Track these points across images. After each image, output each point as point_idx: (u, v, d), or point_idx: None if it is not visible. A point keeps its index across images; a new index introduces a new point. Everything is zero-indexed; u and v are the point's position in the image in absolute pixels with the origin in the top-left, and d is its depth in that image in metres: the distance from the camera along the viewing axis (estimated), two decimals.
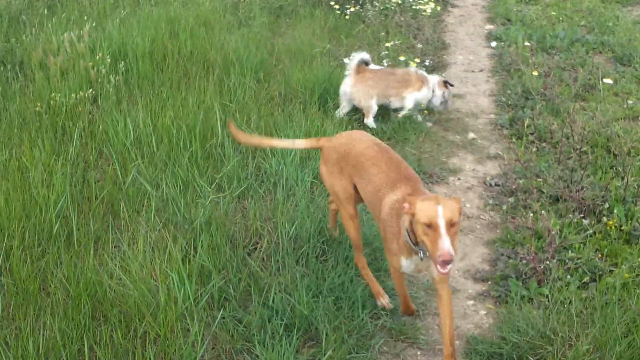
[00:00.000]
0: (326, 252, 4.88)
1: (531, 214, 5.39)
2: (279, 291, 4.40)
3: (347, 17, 10.27)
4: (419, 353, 4.24)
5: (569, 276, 4.63)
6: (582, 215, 5.37)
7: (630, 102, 7.85)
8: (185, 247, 4.74)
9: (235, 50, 8.08)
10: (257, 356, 3.92)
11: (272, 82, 7.70)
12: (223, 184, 5.57)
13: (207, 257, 4.60)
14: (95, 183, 5.49)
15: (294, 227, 4.95)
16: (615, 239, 5.10)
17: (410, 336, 4.34)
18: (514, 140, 6.92)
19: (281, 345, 3.89)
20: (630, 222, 5.21)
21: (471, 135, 7.23)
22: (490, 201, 5.95)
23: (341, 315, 4.29)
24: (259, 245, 4.90)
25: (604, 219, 5.28)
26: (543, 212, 5.26)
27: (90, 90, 6.85)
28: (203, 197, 5.35)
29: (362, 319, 4.33)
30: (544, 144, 6.73)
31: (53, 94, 6.61)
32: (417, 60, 8.35)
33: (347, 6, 10.60)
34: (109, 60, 7.37)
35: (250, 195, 5.52)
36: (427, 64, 8.70)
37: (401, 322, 4.41)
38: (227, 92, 7.15)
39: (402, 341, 4.32)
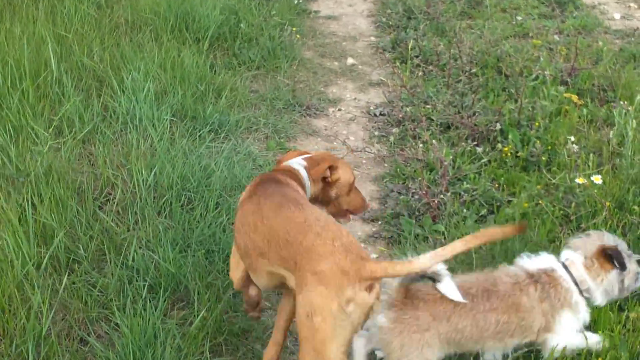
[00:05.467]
0: (192, 199, 4.69)
1: (421, 145, 5.37)
2: (140, 248, 4.18)
3: None
4: None
5: (465, 210, 4.63)
6: (475, 142, 5.39)
7: (519, 18, 7.96)
8: (21, 204, 4.42)
9: None
10: (117, 324, 3.71)
11: (115, 7, 7.31)
12: (63, 128, 5.25)
13: (50, 213, 4.31)
14: None
15: (152, 173, 4.72)
16: (511, 166, 5.15)
17: None
18: (397, 64, 6.87)
19: (145, 310, 3.69)
20: (526, 147, 5.26)
21: (350, 60, 7.14)
22: (376, 132, 5.90)
23: (215, 270, 4.13)
24: (111, 197, 4.64)
25: (499, 145, 5.32)
26: (434, 141, 5.25)
27: None
28: (40, 143, 5.02)
29: None
30: (430, 67, 6.71)
31: None
32: None
33: None
34: None
35: (98, 139, 5.23)
36: None
37: None
38: (61, 20, 6.73)
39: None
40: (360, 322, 2.99)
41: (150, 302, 3.76)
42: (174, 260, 4.03)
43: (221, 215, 4.54)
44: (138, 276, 3.99)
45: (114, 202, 4.58)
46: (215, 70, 6.44)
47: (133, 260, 4.07)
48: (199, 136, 5.44)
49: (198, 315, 3.73)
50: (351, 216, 3.88)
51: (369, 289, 2.94)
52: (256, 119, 5.87)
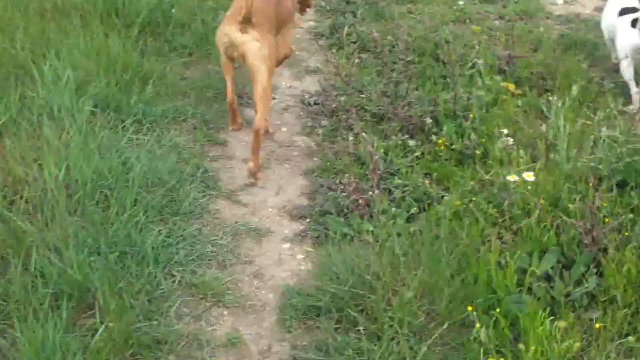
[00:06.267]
0: (109, 197, 4.42)
1: (351, 137, 5.15)
2: (49, 250, 3.91)
3: None
4: (225, 312, 3.91)
5: (395, 208, 4.43)
6: (409, 135, 5.19)
7: (460, 2, 7.78)
8: None
9: None
10: (17, 338, 3.44)
11: None
12: None
13: None
14: None
15: (64, 168, 4.43)
16: (446, 159, 4.97)
17: (215, 292, 3.99)
18: (334, 51, 6.65)
19: (47, 321, 3.43)
20: (461, 139, 5.08)
21: None
22: (309, 123, 5.67)
23: (127, 275, 3.88)
24: (19, 195, 4.35)
25: (434, 137, 5.13)
26: (364, 133, 5.04)
27: None
28: None
29: (155, 277, 3.94)
30: (367, 55, 6.49)
31: None
32: None
33: None
34: None
35: (13, 132, 4.92)
36: None
37: (204, 276, 4.06)
38: None
39: (206, 299, 3.97)
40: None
41: (53, 312, 3.51)
42: (81, 265, 3.77)
43: (138, 214, 4.29)
44: (43, 283, 3.72)
45: (24, 201, 4.30)
46: (145, 57, 6.14)
47: (37, 265, 3.79)
48: (122, 128, 5.16)
49: (105, 325, 3.49)
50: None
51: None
52: (184, 108, 5.60)
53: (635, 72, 6.03)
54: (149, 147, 4.97)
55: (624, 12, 6.19)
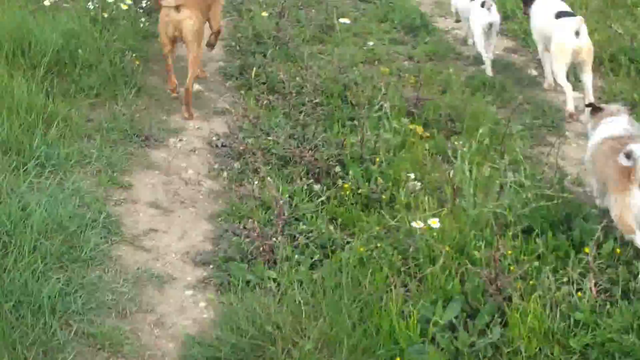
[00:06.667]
0: (7, 244, 4.29)
1: (257, 181, 5.12)
2: None
3: None
4: None
5: (298, 254, 4.40)
6: (315, 179, 5.18)
7: (370, 43, 7.85)
8: None
9: None
10: None
11: None
12: None
13: None
14: None
15: None
16: (352, 204, 4.96)
17: (113, 343, 3.89)
18: (242, 92, 6.63)
19: None
20: (368, 184, 5.09)
21: (196, 86, 6.84)
22: (216, 166, 5.62)
23: (22, 326, 3.76)
24: None
25: (340, 181, 5.12)
26: (269, 178, 5.01)
27: None
28: None
29: (51, 327, 3.83)
30: (275, 96, 6.47)
31: None
32: (129, 1, 7.73)
33: None
34: None
35: None
36: (143, 5, 8.13)
37: (102, 326, 3.96)
38: None
39: (104, 350, 3.87)
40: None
41: None
42: None
43: (37, 261, 4.17)
44: None
45: None
46: (51, 99, 6.00)
47: None
48: (24, 171, 5.03)
49: None
50: None
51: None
52: (89, 151, 5.49)
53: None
54: (50, 192, 4.85)
55: None
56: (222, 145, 5.87)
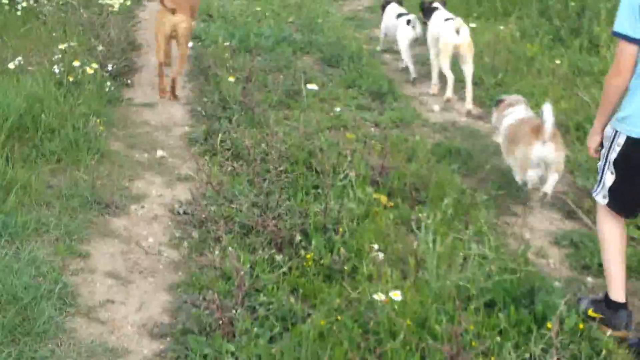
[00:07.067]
0: None
1: (218, 251, 5.03)
2: None
3: (18, 12, 9.43)
4: None
5: (258, 327, 4.30)
6: (277, 248, 5.11)
7: (337, 109, 7.85)
8: None
9: None
10: None
11: None
12: None
13: None
14: None
15: None
16: (314, 274, 4.88)
17: None
18: (207, 157, 6.57)
19: None
20: (330, 254, 5.02)
21: (160, 152, 6.79)
22: (177, 234, 5.53)
23: None
24: None
25: (302, 251, 5.06)
26: (230, 248, 4.93)
27: None
28: None
29: None
30: (240, 162, 6.40)
31: None
32: (96, 65, 7.72)
33: (19, 0, 9.74)
34: None
35: None
36: (109, 69, 8.11)
37: None
38: None
39: None
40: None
41: None
42: None
43: None
44: None
45: None
46: (11, 164, 5.91)
47: None
48: None
49: None
50: None
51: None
52: (47, 219, 5.40)
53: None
54: (5, 262, 4.76)
55: (400, 15, 9.46)
56: (184, 213, 5.78)
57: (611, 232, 4.67)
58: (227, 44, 9.22)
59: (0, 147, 6.05)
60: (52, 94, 6.93)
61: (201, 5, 11.31)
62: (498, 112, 6.81)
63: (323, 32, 10.33)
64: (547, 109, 5.86)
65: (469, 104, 8.32)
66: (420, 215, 5.38)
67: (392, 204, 5.82)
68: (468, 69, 8.44)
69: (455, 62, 8.59)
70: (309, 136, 6.85)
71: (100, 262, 5.13)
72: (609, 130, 4.58)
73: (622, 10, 4.36)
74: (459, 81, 8.57)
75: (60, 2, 9.80)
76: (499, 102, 6.91)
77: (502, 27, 10.66)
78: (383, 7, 10.00)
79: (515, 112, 6.54)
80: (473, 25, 10.31)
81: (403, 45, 9.20)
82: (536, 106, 7.77)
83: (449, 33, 8.40)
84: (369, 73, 8.84)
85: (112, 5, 10.03)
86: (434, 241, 5.02)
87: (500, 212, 6.08)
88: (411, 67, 9.21)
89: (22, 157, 6.14)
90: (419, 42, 9.26)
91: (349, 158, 6.11)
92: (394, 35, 9.46)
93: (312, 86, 8.14)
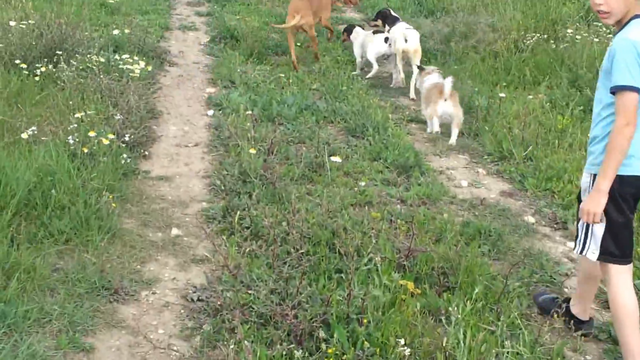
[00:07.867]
0: None
1: (233, 345, 4.65)
2: None
3: (36, 77, 9.22)
4: None
5: None
6: (296, 341, 4.73)
7: (362, 184, 7.50)
8: None
9: None
10: None
11: None
12: None
13: None
14: None
15: None
16: None
17: None
18: (224, 237, 6.22)
19: None
20: (353, 348, 4.63)
21: (175, 231, 6.44)
22: (190, 324, 5.17)
23: None
24: None
25: (323, 345, 4.67)
26: (246, 341, 4.55)
27: None
28: None
29: None
30: (260, 242, 6.03)
31: None
32: (112, 135, 7.44)
33: (38, 65, 9.53)
34: None
35: None
36: (126, 139, 7.83)
37: None
38: None
39: None
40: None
41: None
42: None
43: None
44: None
45: None
46: (15, 246, 5.60)
47: None
48: None
49: None
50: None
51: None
52: (51, 307, 5.05)
53: None
54: (2, 357, 4.39)
55: (376, 32, 11.62)
56: (198, 299, 5.42)
57: (627, 296, 4.68)
58: (249, 112, 8.91)
59: (6, 226, 5.74)
60: (65, 167, 6.62)
61: (223, 71, 11.17)
62: (420, 78, 9.86)
63: (347, 100, 10.03)
64: (448, 79, 8.96)
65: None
66: (448, 305, 4.99)
67: (419, 291, 5.43)
68: (414, 67, 10.82)
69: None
70: (332, 214, 6.49)
71: (104, 357, 4.76)
72: (585, 182, 4.75)
73: (624, 64, 4.43)
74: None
75: (80, 67, 9.56)
76: (421, 70, 10.11)
77: (530, 97, 10.31)
78: (348, 32, 12.28)
79: (430, 78, 9.56)
80: (502, 94, 9.99)
81: (371, 56, 11.48)
82: (570, 182, 7.49)
83: (400, 40, 10.87)
84: (394, 144, 8.49)
85: (132, 71, 9.81)
86: (465, 335, 4.64)
87: (532, 305, 5.65)
88: (394, 74, 11.60)
89: (28, 236, 5.82)
90: (384, 57, 11.61)
91: (373, 240, 5.72)
92: (365, 50, 11.60)
93: (336, 159, 7.82)
